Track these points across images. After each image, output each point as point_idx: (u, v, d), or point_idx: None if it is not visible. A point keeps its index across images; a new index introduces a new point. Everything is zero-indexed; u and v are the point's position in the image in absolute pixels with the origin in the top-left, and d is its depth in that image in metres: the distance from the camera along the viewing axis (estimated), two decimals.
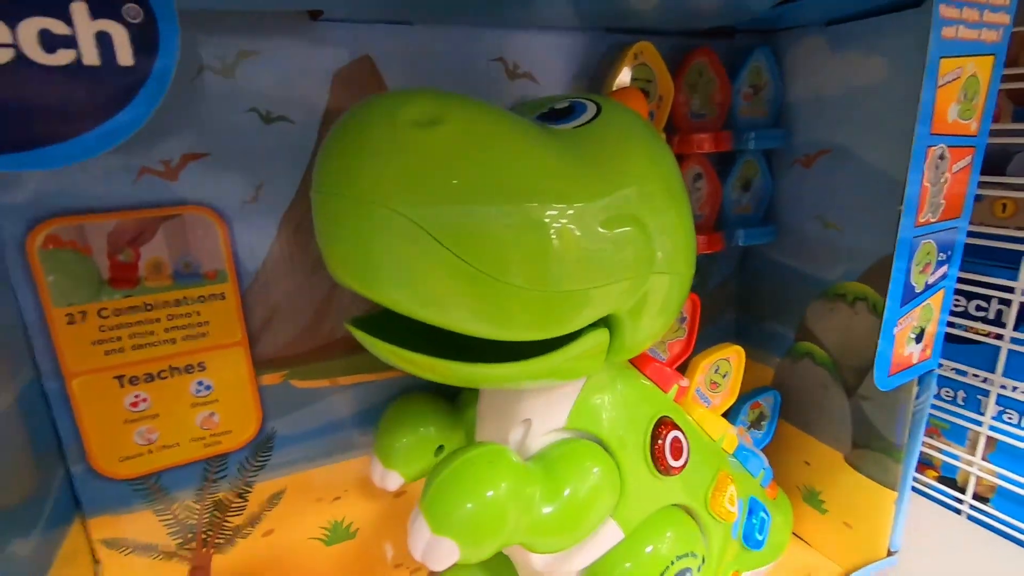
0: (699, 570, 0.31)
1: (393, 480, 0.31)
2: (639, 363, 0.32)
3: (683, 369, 0.36)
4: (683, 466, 0.30)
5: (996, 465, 0.52)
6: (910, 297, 0.31)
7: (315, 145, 0.30)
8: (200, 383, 0.30)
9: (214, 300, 0.29)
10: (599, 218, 0.21)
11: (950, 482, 0.57)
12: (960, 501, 0.56)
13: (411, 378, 0.35)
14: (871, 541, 0.40)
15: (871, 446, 0.39)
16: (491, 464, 0.24)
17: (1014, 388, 0.50)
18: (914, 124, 0.29)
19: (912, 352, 0.33)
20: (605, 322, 0.24)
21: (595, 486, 0.26)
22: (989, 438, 0.52)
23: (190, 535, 0.32)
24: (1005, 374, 0.50)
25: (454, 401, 0.34)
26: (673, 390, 0.32)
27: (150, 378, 0.29)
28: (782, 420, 0.44)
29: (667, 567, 0.29)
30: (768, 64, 0.39)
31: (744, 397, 0.41)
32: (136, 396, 0.29)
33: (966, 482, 0.56)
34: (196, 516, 0.32)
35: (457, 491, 0.23)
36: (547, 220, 0.20)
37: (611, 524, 0.28)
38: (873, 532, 0.40)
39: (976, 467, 0.54)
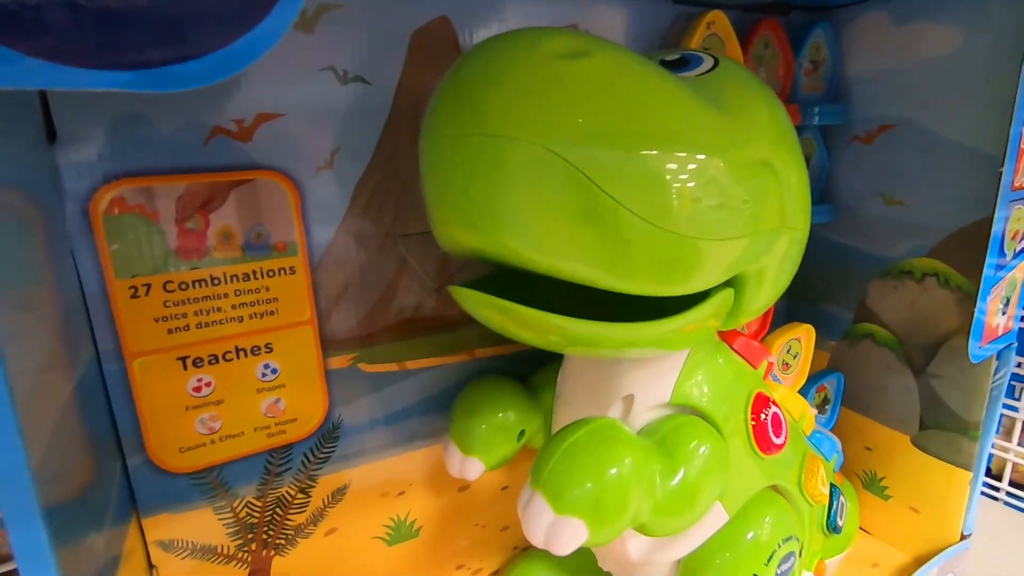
0: (800, 555, 0.29)
1: (474, 468, 0.29)
2: (727, 337, 0.30)
3: None
4: (783, 444, 0.29)
5: None
6: (1002, 265, 0.30)
7: (390, 111, 0.28)
8: (266, 366, 0.28)
9: (284, 275, 0.27)
10: (741, 163, 0.20)
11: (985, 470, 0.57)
12: (996, 488, 0.55)
13: (480, 362, 0.34)
14: (942, 525, 0.39)
15: (942, 426, 0.38)
16: (613, 438, 0.22)
17: None
18: (999, 89, 0.29)
19: (999, 323, 0.32)
20: (730, 283, 0.23)
21: (711, 464, 0.25)
22: None
23: (250, 535, 0.29)
24: None
25: (526, 385, 0.32)
26: (762, 367, 0.31)
27: (215, 360, 0.26)
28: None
29: (773, 552, 0.27)
30: (828, 40, 0.38)
31: (809, 380, 0.40)
32: (199, 380, 0.26)
33: (1002, 469, 0.55)
34: (257, 514, 0.29)
35: (581, 467, 0.21)
36: (691, 159, 0.19)
37: (717, 507, 0.27)
38: (944, 516, 0.39)
39: (1012, 454, 0.54)
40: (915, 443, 0.40)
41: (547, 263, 0.19)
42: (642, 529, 0.24)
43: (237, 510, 0.28)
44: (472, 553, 0.36)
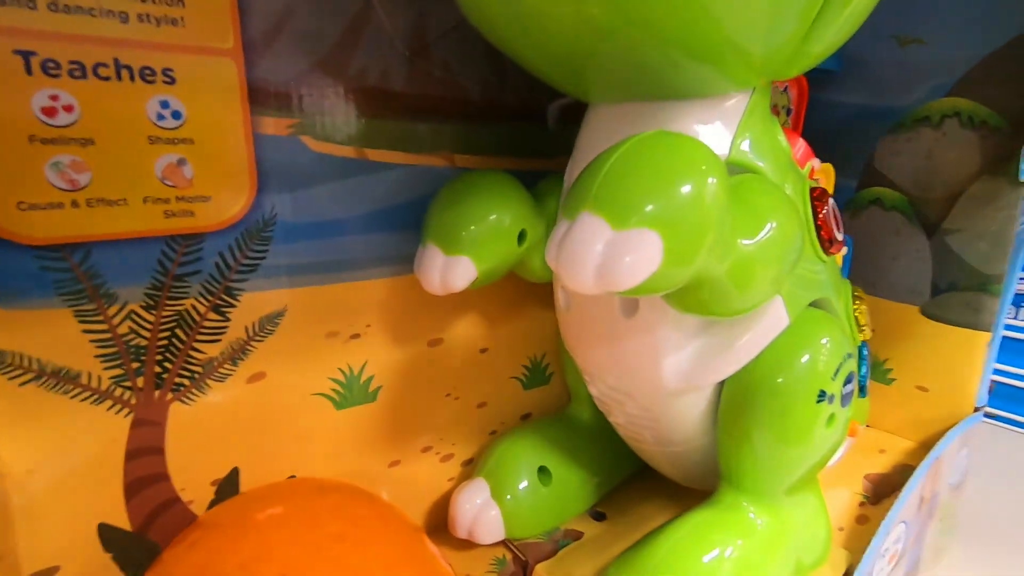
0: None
1: (461, 271, 0.22)
2: None
3: None
4: (843, 242, 0.24)
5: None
6: None
7: None
8: (164, 104, 0.19)
9: None
10: None
11: None
12: None
13: (460, 172, 0.26)
14: (954, 399, 0.36)
15: (958, 286, 0.35)
16: (686, 145, 0.16)
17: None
18: None
19: None
20: None
21: (792, 221, 0.19)
22: None
23: (136, 365, 0.20)
24: None
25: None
26: (807, 168, 0.26)
27: (80, 71, 0.17)
28: None
29: (839, 366, 0.22)
30: None
31: None
32: (53, 97, 0.17)
33: None
34: (147, 334, 0.20)
35: (647, 172, 0.15)
36: None
37: (778, 303, 0.21)
38: (957, 387, 0.36)
39: None
40: (925, 312, 0.37)
41: None
42: (700, 294, 0.18)
43: (115, 322, 0.19)
44: (442, 432, 0.29)
